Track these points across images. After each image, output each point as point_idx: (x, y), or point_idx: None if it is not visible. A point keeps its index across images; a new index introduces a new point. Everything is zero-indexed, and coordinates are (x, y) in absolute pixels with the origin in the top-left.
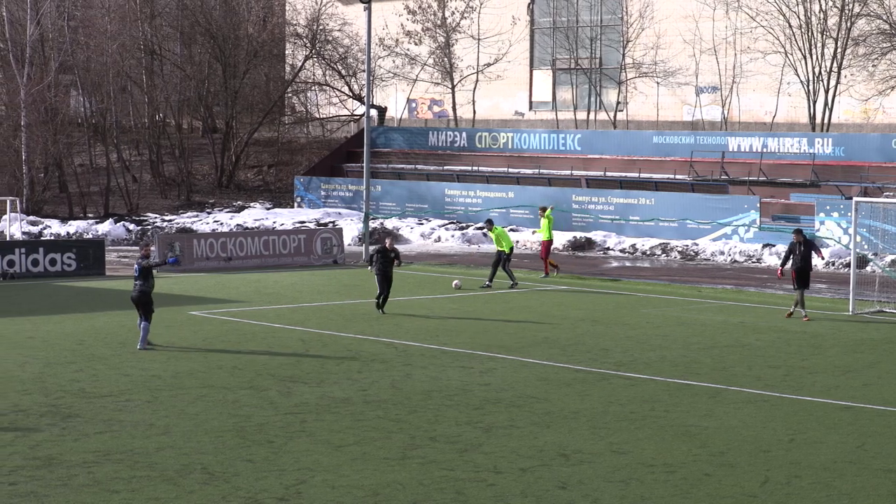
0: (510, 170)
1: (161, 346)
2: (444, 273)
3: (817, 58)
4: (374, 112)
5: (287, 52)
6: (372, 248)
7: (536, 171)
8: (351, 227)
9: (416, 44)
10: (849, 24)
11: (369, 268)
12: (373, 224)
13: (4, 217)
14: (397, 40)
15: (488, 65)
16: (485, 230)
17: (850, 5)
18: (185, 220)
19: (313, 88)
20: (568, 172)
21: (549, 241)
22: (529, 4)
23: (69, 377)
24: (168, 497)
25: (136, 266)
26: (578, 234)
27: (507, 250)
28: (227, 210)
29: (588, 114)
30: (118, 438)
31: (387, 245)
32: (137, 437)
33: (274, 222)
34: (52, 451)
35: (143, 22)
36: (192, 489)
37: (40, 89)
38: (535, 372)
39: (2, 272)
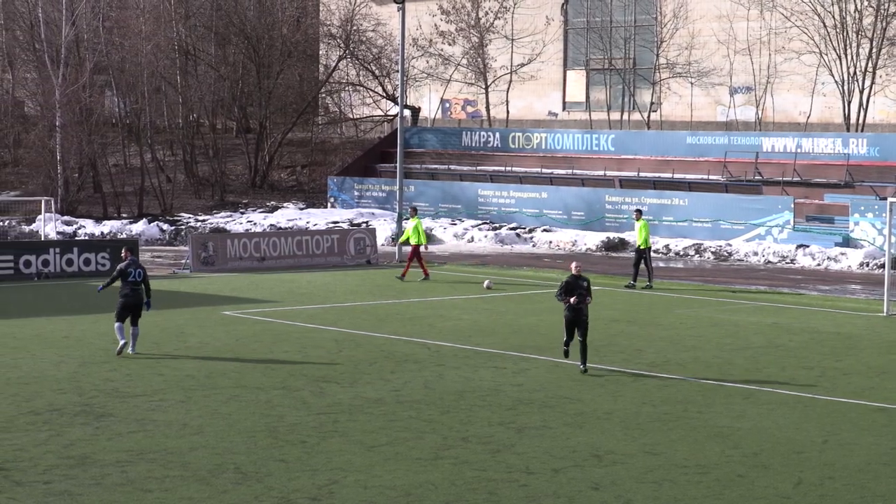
0: (544, 170)
1: (179, 349)
2: (477, 273)
3: (852, 58)
4: (407, 112)
5: (321, 52)
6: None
7: (570, 171)
8: (384, 228)
9: (449, 44)
10: (884, 23)
11: (566, 312)
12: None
13: (39, 217)
14: (431, 40)
15: (522, 65)
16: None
17: (886, 5)
18: (219, 220)
19: (347, 89)
20: (601, 173)
21: (418, 245)
22: (563, 5)
23: (103, 376)
24: (201, 497)
25: (138, 270)
26: (612, 235)
27: (644, 246)
28: (261, 210)
29: (622, 114)
30: (152, 438)
31: (574, 271)
32: (171, 437)
33: (307, 222)
34: (86, 451)
35: (178, 23)
36: (225, 489)
37: (75, 90)
38: (567, 372)
39: (36, 272)
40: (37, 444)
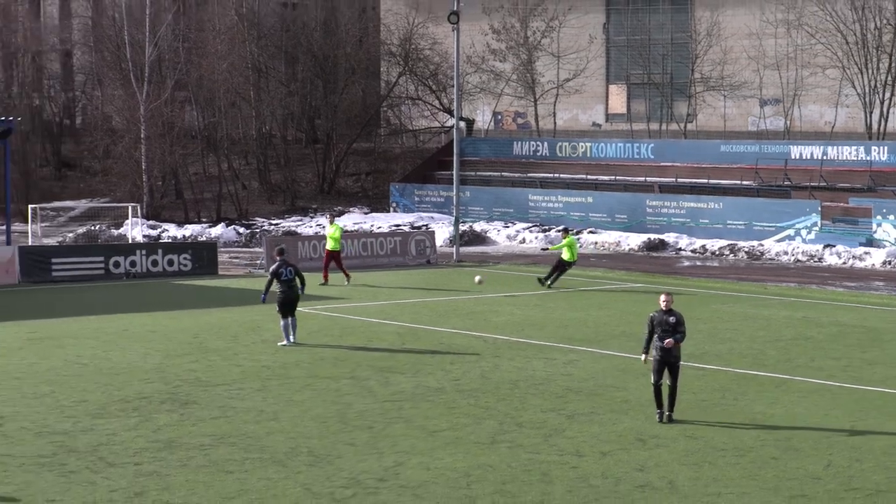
0: (588, 176)
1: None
2: (529, 272)
3: (873, 72)
4: (462, 124)
5: (382, 69)
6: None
7: (613, 177)
8: (442, 230)
9: (500, 61)
10: None
11: (655, 352)
12: (462, 227)
13: (127, 221)
14: (483, 58)
15: (567, 80)
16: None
17: None
18: (290, 223)
19: (406, 102)
20: (642, 179)
21: (335, 251)
22: (605, 24)
23: (186, 367)
24: (277, 477)
25: (289, 269)
26: (652, 236)
27: (573, 259)
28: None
29: (660, 125)
30: (232, 423)
31: (663, 305)
32: (249, 423)
33: (371, 225)
34: (173, 435)
35: (251, 43)
36: (299, 470)
37: (158, 105)
38: (613, 363)
39: (125, 272)
40: (127, 429)
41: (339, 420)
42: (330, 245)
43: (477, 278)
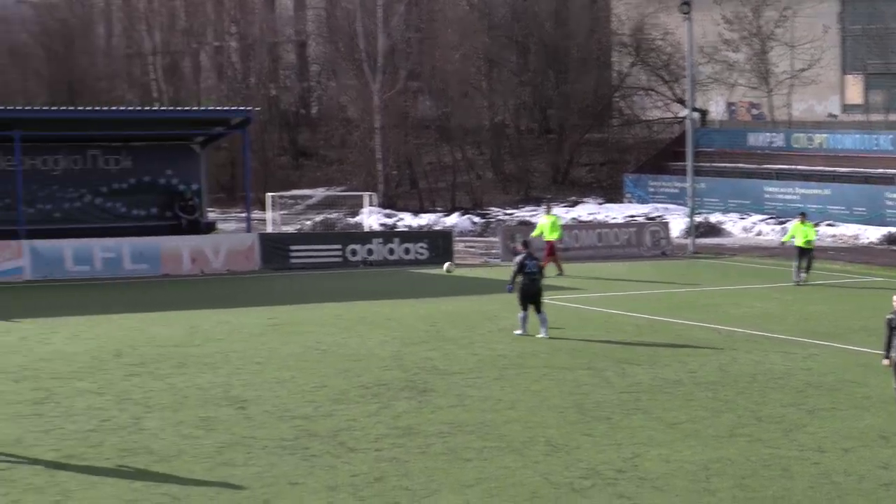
0: (826, 168)
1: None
2: (766, 265)
3: None
4: (696, 115)
5: (613, 59)
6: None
7: (851, 169)
8: (677, 222)
9: (733, 51)
10: None
11: (886, 361)
12: (697, 219)
13: (363, 210)
14: (716, 48)
15: (802, 70)
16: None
17: None
18: (525, 213)
19: (639, 93)
20: (881, 171)
21: (552, 241)
22: (839, 13)
23: (423, 355)
24: (515, 466)
25: (533, 262)
26: (892, 230)
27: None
28: (563, 205)
29: None
30: (469, 412)
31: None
32: (486, 411)
33: (606, 216)
34: (411, 422)
35: (482, 34)
36: (537, 459)
37: (392, 95)
38: (854, 358)
39: (362, 259)
40: (367, 416)
41: (576, 410)
42: (550, 234)
43: (446, 265)
